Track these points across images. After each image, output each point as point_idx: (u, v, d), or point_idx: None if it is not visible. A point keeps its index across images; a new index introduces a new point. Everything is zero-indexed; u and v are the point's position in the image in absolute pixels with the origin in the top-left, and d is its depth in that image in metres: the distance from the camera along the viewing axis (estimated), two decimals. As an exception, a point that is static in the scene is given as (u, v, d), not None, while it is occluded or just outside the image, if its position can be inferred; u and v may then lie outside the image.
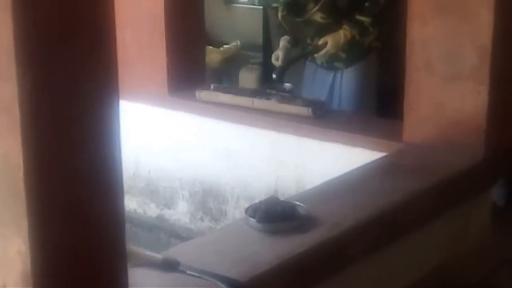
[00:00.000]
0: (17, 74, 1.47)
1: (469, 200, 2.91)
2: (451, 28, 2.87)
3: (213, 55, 5.47)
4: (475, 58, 2.83)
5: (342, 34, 3.76)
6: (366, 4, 3.77)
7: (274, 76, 3.97)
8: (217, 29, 5.76)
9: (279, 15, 3.98)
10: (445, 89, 2.93)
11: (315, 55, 3.86)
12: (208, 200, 3.74)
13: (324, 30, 3.84)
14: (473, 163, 2.87)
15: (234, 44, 5.82)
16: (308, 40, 3.97)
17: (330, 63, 3.93)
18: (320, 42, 3.80)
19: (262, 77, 5.49)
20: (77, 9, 1.53)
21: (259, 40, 5.76)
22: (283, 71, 3.96)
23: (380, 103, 4.03)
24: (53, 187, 1.54)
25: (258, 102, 3.55)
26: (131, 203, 3.89)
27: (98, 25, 1.57)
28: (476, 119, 2.87)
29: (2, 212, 1.54)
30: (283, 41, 4.05)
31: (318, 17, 3.82)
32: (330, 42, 3.74)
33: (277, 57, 3.99)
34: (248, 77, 5.48)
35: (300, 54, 4.11)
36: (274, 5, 3.87)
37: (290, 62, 4.00)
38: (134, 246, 1.93)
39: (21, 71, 1.46)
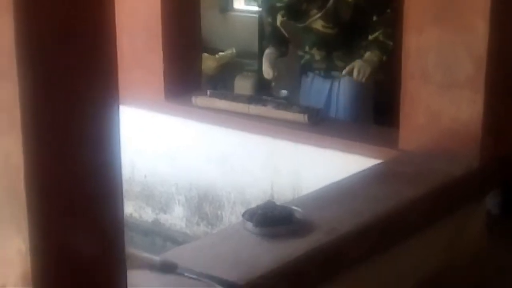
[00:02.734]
0: (18, 74, 1.47)
1: (464, 208, 2.92)
2: (447, 37, 2.90)
3: (209, 62, 5.49)
4: (471, 67, 2.85)
5: (370, 59, 3.71)
6: (374, 18, 3.73)
7: (272, 85, 3.98)
8: (213, 36, 5.79)
9: (278, 20, 3.95)
10: (440, 98, 2.95)
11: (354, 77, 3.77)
12: (204, 205, 3.75)
13: (323, 40, 3.83)
14: (468, 172, 2.88)
15: (229, 51, 5.84)
16: (306, 48, 3.96)
17: (327, 72, 3.93)
18: (347, 68, 3.73)
19: (257, 84, 5.51)
20: (78, 11, 1.54)
21: (255, 47, 5.78)
22: (277, 82, 3.97)
23: (377, 111, 4.04)
24: (53, 188, 1.54)
25: (254, 108, 3.56)
26: (127, 207, 3.89)
27: (99, 26, 1.57)
28: (471, 128, 2.89)
29: (2, 212, 1.55)
30: (267, 54, 3.99)
31: (319, 25, 3.80)
32: (363, 69, 3.68)
33: (268, 73, 3.94)
34: (243, 85, 5.51)
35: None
36: (278, 4, 3.82)
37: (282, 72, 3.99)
38: (132, 248, 1.93)
39: (22, 72, 1.47)
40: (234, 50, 5.86)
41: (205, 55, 5.08)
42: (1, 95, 1.51)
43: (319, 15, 3.76)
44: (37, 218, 1.52)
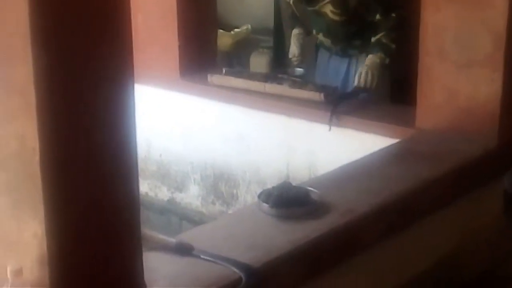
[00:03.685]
0: (32, 57, 1.47)
1: (481, 188, 2.90)
2: (465, 14, 2.86)
3: (224, 39, 5.46)
4: (489, 45, 2.81)
5: (372, 63, 3.66)
6: (378, 17, 3.68)
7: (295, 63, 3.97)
8: (228, 13, 5.75)
9: (291, 0, 3.93)
10: (458, 76, 2.92)
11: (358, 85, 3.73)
12: (219, 184, 3.75)
13: (331, 26, 3.79)
14: (486, 151, 2.86)
15: (245, 27, 5.81)
16: (314, 32, 3.92)
17: (345, 50, 3.90)
18: (363, 76, 3.66)
19: (273, 61, 5.48)
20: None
21: (270, 24, 5.74)
22: (301, 64, 3.96)
23: (395, 89, 4.00)
24: (69, 170, 1.54)
25: (269, 87, 3.54)
26: (142, 186, 3.89)
27: (112, 5, 1.56)
28: (489, 107, 2.86)
29: (18, 196, 1.55)
30: (296, 34, 3.99)
31: (328, 10, 3.76)
32: (369, 75, 3.63)
33: (294, 54, 3.93)
34: (259, 61, 5.47)
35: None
36: None
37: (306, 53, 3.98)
38: (148, 230, 1.94)
39: (36, 54, 1.46)
40: (249, 27, 5.82)
41: (220, 31, 5.04)
42: (15, 79, 1.51)
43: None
44: (53, 201, 1.52)
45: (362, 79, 3.62)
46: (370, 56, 3.68)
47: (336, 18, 3.76)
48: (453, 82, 2.94)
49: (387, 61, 3.67)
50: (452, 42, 2.90)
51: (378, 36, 3.67)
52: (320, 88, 3.45)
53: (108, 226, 1.61)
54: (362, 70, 3.65)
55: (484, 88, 2.86)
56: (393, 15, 3.66)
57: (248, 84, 3.60)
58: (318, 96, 3.39)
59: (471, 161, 2.81)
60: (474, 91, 2.89)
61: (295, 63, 3.95)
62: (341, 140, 3.24)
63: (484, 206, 2.98)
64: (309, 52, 4.25)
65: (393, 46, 3.65)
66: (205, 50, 3.95)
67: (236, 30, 5.78)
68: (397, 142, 2.99)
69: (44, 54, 1.47)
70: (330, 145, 3.29)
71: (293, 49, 3.94)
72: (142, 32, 3.77)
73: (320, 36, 3.90)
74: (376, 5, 3.69)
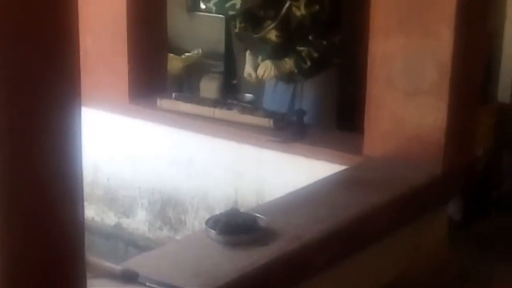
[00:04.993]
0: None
1: (426, 214, 2.94)
2: (412, 44, 2.91)
3: (174, 63, 5.46)
4: (436, 74, 2.87)
5: (283, 65, 3.83)
6: (310, 37, 3.79)
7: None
8: (179, 36, 5.75)
9: (237, 27, 3.95)
10: (405, 104, 2.96)
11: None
12: (167, 209, 3.72)
13: (277, 50, 3.85)
14: (431, 178, 2.90)
15: (195, 52, 5.82)
16: (259, 59, 3.97)
17: (290, 76, 3.93)
18: (262, 67, 3.82)
19: (223, 86, 5.50)
20: (39, 11, 1.51)
21: (221, 49, 5.76)
22: (258, 83, 4.00)
23: (340, 116, 4.05)
24: (14, 194, 1.51)
25: (219, 112, 3.54)
26: (89, 211, 3.84)
27: (60, 26, 1.54)
28: (435, 134, 2.91)
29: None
30: (249, 56, 4.03)
31: (273, 35, 3.82)
32: (271, 71, 3.79)
33: (249, 73, 3.97)
34: (209, 86, 5.48)
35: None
36: (231, 13, 3.76)
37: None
38: (93, 256, 1.91)
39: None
40: (200, 51, 5.83)
41: (171, 55, 5.04)
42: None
43: (273, 25, 3.76)
44: (-5, 227, 1.48)
45: (260, 70, 3.76)
46: (286, 59, 3.80)
47: (280, 40, 3.80)
48: (400, 109, 2.98)
49: (295, 73, 3.79)
50: (399, 70, 2.95)
51: (302, 49, 3.76)
52: (270, 114, 3.47)
53: (51, 253, 1.58)
54: (265, 63, 3.78)
55: (430, 117, 2.91)
56: (324, 42, 3.77)
57: (198, 109, 3.60)
58: (268, 122, 3.40)
59: (417, 188, 2.85)
60: (420, 119, 2.94)
61: (252, 81, 3.98)
62: (289, 167, 3.25)
63: (429, 233, 3.02)
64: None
65: (308, 64, 3.77)
66: (155, 74, 3.94)
67: (186, 54, 5.78)
68: (345, 169, 3.01)
69: (-12, 76, 1.45)
70: (278, 171, 3.30)
71: (248, 69, 3.99)
72: (92, 55, 3.74)
73: (266, 62, 3.92)
74: (312, 28, 3.77)
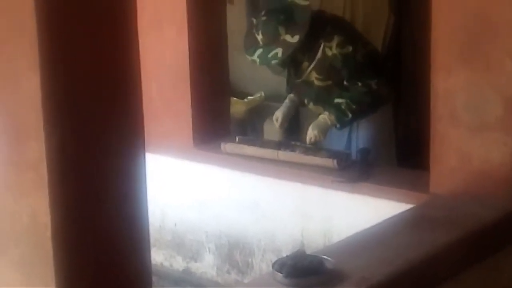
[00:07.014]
0: (44, 133, 1.49)
1: (498, 252, 2.86)
2: (475, 78, 2.87)
3: (237, 106, 5.50)
4: (501, 108, 2.82)
5: (322, 120, 3.63)
6: (345, 82, 3.60)
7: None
8: (241, 80, 5.80)
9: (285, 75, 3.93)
10: (470, 140, 2.92)
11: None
12: (234, 252, 3.72)
13: (321, 94, 3.73)
14: (502, 214, 2.83)
15: (258, 95, 5.86)
16: (306, 102, 3.86)
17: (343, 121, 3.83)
18: (309, 135, 3.64)
19: (286, 127, 5.49)
20: (102, 63, 1.55)
21: (283, 91, 5.78)
22: (284, 131, 3.91)
23: (399, 153, 3.98)
24: (81, 245, 1.54)
25: (283, 154, 3.55)
26: (157, 256, 3.88)
27: (122, 78, 1.59)
28: (503, 170, 2.85)
29: (29, 271, 1.55)
30: (287, 100, 3.96)
31: (313, 77, 3.72)
32: (315, 132, 3.61)
33: (277, 118, 3.89)
34: (272, 128, 5.49)
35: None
36: (273, 62, 3.67)
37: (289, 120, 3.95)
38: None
39: (48, 131, 1.49)
40: (263, 94, 5.87)
41: (233, 99, 5.08)
42: (28, 154, 1.52)
43: (311, 67, 3.68)
44: (64, 277, 1.52)
45: (308, 137, 3.61)
46: (323, 115, 3.64)
47: (323, 83, 3.72)
48: (466, 145, 2.93)
49: (337, 126, 3.62)
50: (463, 105, 2.91)
51: (340, 101, 3.62)
52: (333, 155, 3.46)
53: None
54: (310, 127, 3.63)
55: (497, 152, 2.85)
56: (359, 83, 3.58)
57: (261, 152, 3.62)
58: (331, 163, 3.40)
59: (487, 225, 2.78)
60: (487, 154, 2.88)
61: (277, 126, 3.92)
62: (355, 207, 3.23)
63: (502, 272, 2.93)
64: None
65: (349, 116, 3.57)
66: (219, 118, 3.98)
67: (249, 97, 5.83)
68: (412, 208, 2.97)
69: (56, 130, 1.50)
70: (344, 212, 3.28)
71: (277, 113, 3.92)
72: (156, 101, 3.82)
73: (311, 106, 3.86)
74: (355, 71, 3.61)
